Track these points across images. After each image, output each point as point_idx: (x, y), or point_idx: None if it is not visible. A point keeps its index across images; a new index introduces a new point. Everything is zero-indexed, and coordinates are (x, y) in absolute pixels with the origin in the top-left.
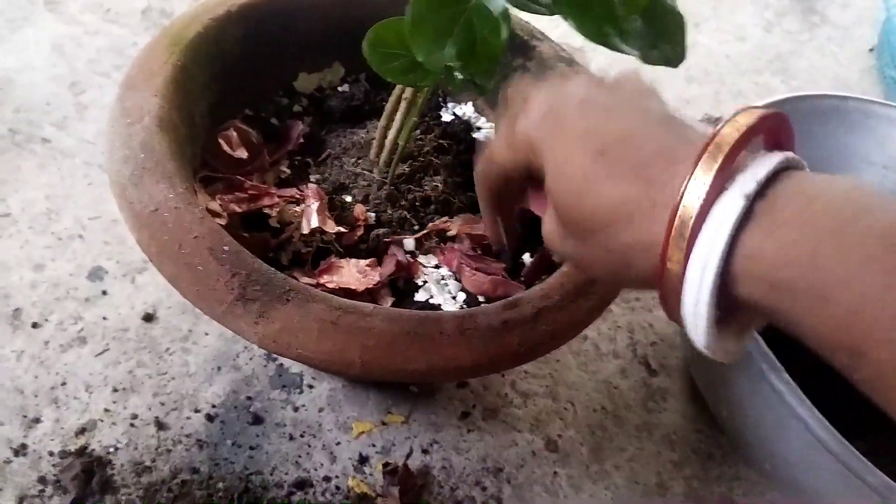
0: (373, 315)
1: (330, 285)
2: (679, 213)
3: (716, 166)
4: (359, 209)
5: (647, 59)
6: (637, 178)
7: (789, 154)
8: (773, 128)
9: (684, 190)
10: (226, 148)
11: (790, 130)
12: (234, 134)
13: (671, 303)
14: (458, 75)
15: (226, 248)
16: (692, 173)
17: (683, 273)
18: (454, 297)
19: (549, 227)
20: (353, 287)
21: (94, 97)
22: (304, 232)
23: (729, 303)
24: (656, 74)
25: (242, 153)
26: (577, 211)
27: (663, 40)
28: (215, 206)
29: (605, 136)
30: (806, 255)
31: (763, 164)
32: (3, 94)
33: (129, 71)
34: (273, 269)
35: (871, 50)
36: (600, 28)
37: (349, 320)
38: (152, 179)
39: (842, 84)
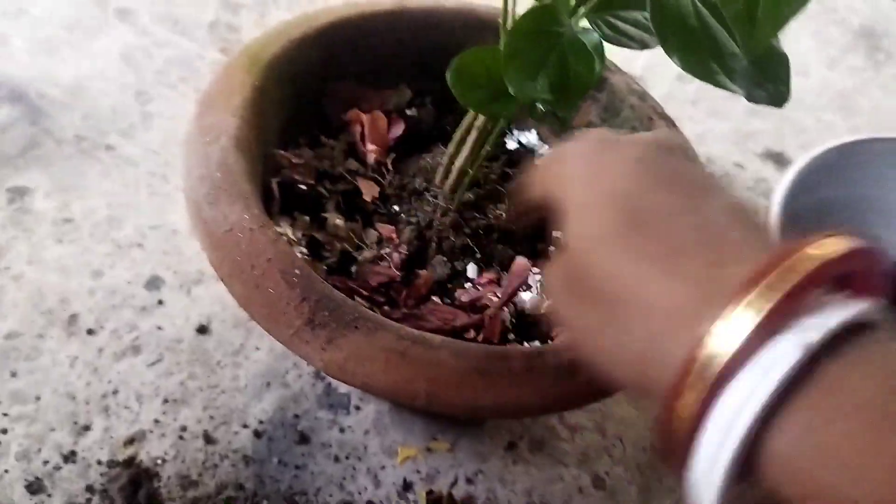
0: (441, 348)
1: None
2: (704, 348)
3: (771, 303)
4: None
5: (752, 98)
6: (672, 266)
7: (874, 305)
8: (862, 268)
9: (719, 321)
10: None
11: (883, 272)
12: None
13: (671, 447)
14: (541, 107)
15: (297, 271)
16: (739, 300)
17: (697, 424)
18: None
19: (555, 275)
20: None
21: (159, 107)
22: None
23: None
24: (716, 105)
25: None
26: (594, 270)
27: (768, 80)
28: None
29: (647, 203)
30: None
31: (837, 312)
32: (73, 99)
33: (208, 89)
34: (343, 295)
35: None
36: (706, 65)
37: (417, 352)
38: (228, 200)
39: None
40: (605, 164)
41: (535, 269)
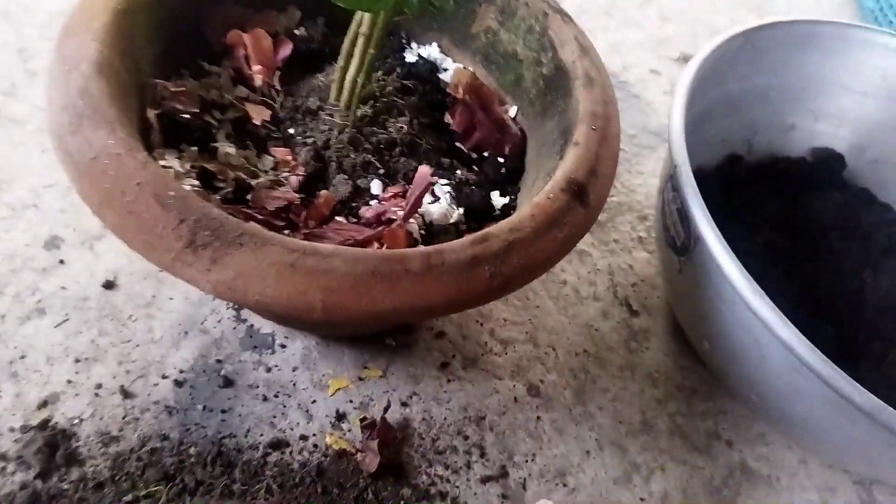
0: (333, 256)
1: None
2: None
3: None
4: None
5: None
6: None
7: None
8: None
9: None
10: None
11: None
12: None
13: None
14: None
15: (171, 192)
16: None
17: None
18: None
19: None
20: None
21: (44, 64)
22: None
23: None
24: (629, 15)
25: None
26: None
27: None
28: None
29: None
30: None
31: None
32: None
33: (69, 16)
34: (225, 213)
35: None
36: None
37: (308, 262)
38: (91, 126)
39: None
40: None
41: (442, 180)
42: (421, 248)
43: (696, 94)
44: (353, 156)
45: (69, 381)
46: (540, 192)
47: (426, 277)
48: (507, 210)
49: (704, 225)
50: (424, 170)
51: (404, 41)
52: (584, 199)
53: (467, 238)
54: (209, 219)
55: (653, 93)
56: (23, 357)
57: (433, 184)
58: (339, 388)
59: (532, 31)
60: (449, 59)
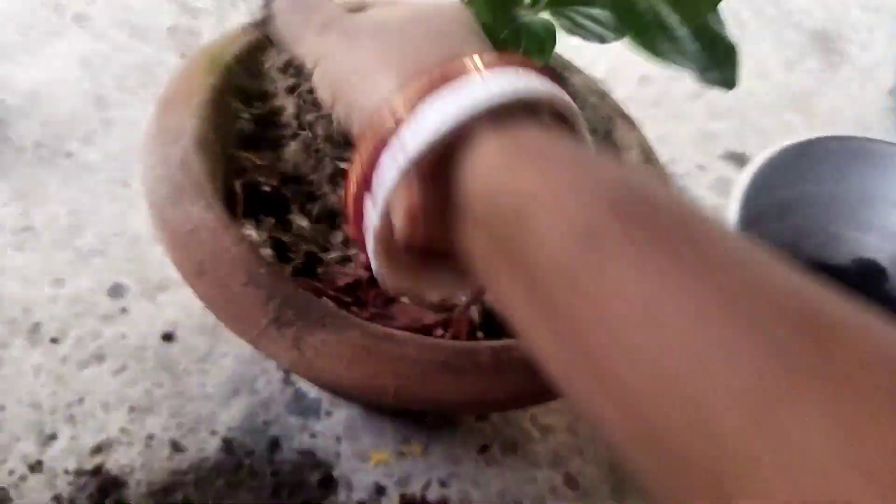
0: (407, 343)
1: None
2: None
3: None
4: None
5: (704, 78)
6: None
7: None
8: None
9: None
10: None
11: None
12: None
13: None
14: None
15: (262, 270)
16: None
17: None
18: None
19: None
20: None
21: (119, 113)
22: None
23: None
24: (678, 107)
25: None
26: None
27: (718, 66)
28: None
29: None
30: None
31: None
32: (30, 106)
33: (166, 90)
34: (309, 294)
35: (890, 91)
36: (658, 46)
37: (384, 348)
38: (190, 200)
39: (861, 123)
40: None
41: None
42: (490, 343)
43: (748, 198)
44: None
45: (123, 429)
46: None
47: (494, 373)
48: None
49: None
50: None
51: None
52: None
53: None
54: (295, 298)
55: (699, 187)
56: (81, 401)
57: None
58: (380, 461)
59: (596, 132)
60: None
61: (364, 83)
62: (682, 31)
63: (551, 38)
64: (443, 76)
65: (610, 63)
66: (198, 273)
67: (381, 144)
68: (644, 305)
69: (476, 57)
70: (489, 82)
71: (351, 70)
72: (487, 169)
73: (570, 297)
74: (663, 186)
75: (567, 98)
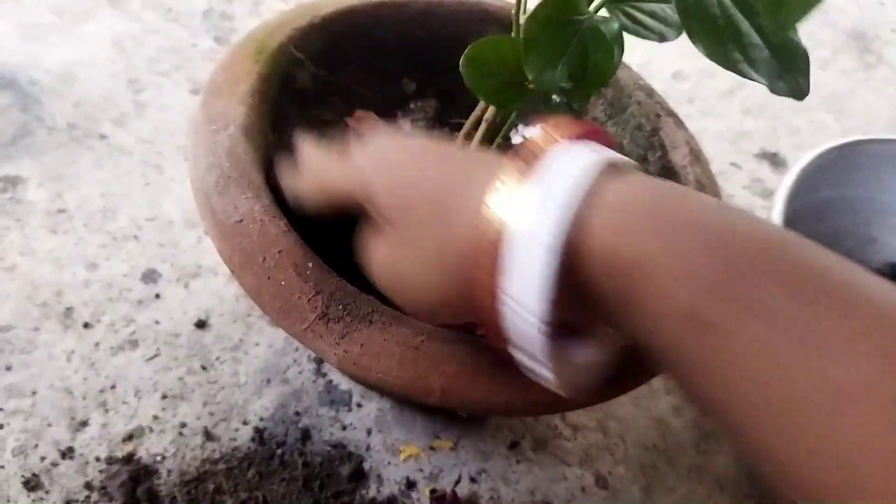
0: (456, 343)
1: None
2: (486, 209)
3: (527, 163)
4: None
5: (774, 89)
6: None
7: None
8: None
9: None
10: None
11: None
12: None
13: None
14: (556, 98)
15: (310, 264)
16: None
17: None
18: None
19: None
20: None
21: (152, 96)
22: None
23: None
24: (711, 105)
25: None
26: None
27: (788, 72)
28: None
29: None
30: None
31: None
32: (63, 86)
33: (213, 77)
34: (357, 289)
35: None
36: (730, 54)
37: (432, 347)
38: (238, 189)
39: None
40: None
41: None
42: None
43: (789, 200)
44: None
45: (155, 417)
46: None
47: None
48: None
49: None
50: None
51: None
52: None
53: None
54: (343, 293)
55: (732, 186)
56: (113, 387)
57: None
58: (410, 456)
59: (641, 128)
60: None
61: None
62: (755, 38)
63: (619, 45)
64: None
65: (642, 58)
66: (244, 265)
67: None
68: (819, 385)
69: (534, 143)
70: (577, 155)
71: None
72: (615, 236)
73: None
74: (786, 233)
75: (621, 157)
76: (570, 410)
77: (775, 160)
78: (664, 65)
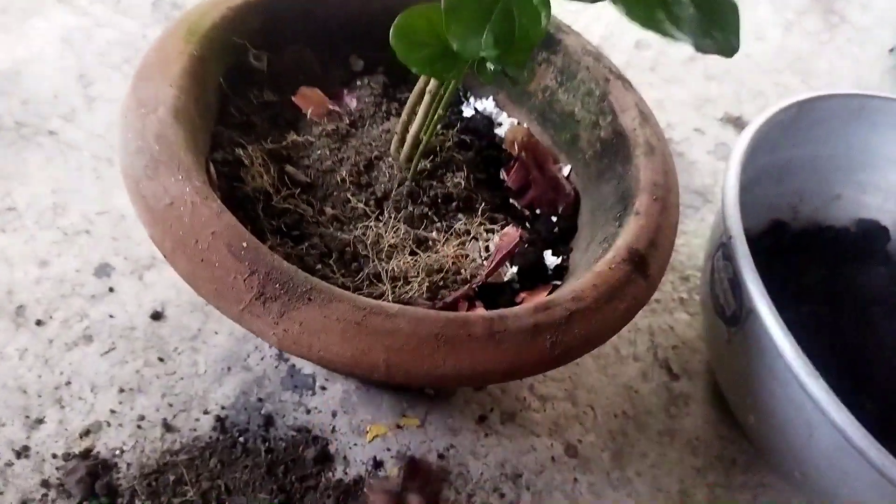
0: (398, 315)
1: None
2: None
3: None
4: None
5: (700, 48)
6: None
7: None
8: None
9: None
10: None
11: None
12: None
13: None
14: (491, 66)
15: (244, 244)
16: None
17: None
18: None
19: None
20: None
21: (102, 90)
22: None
23: None
24: (674, 72)
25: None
26: None
27: (716, 28)
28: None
29: None
30: None
31: None
32: (10, 85)
33: (145, 60)
34: (294, 267)
35: (891, 50)
36: (652, 14)
37: (374, 321)
38: (167, 172)
39: (862, 85)
40: None
41: (494, 237)
42: (483, 312)
43: (747, 161)
44: (411, 208)
45: (112, 411)
46: (599, 259)
47: (488, 344)
48: (560, 271)
49: (760, 301)
50: (513, 232)
51: (461, 94)
52: (644, 270)
53: (530, 305)
54: (279, 272)
55: (697, 152)
56: (68, 383)
57: (518, 246)
58: (377, 435)
59: (591, 94)
60: (504, 114)
61: None
62: None
63: (546, 7)
64: None
65: (606, 28)
66: (177, 249)
67: None
68: None
69: None
70: None
71: None
72: None
73: None
74: None
75: None
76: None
77: (739, 124)
78: (626, 37)
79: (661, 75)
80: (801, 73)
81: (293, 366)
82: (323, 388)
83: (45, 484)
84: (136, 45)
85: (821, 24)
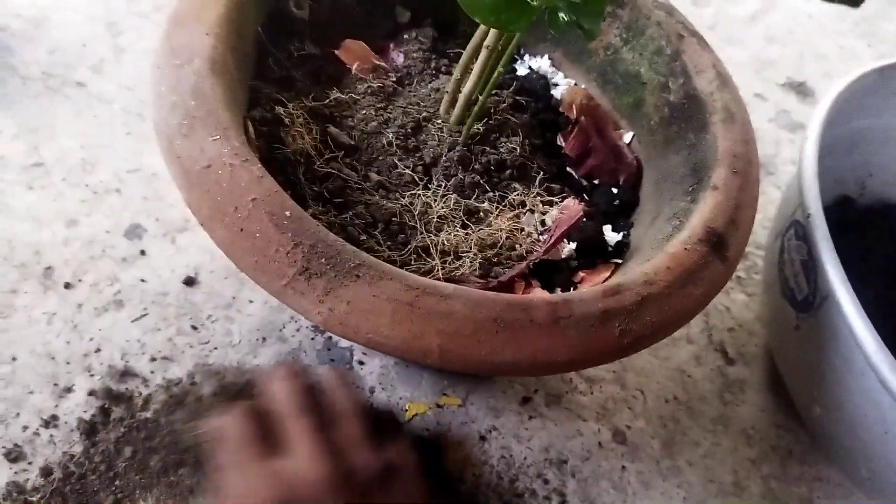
0: (453, 297)
1: None
2: None
3: None
4: None
5: None
6: None
7: None
8: None
9: None
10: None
11: None
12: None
13: None
14: (564, 16)
15: (287, 213)
16: None
17: None
18: None
19: None
20: None
21: (131, 40)
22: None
23: None
24: (734, 32)
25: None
26: None
27: None
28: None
29: None
30: None
31: None
32: (37, 33)
33: (179, 3)
34: (341, 239)
35: None
36: None
37: (427, 302)
38: (204, 131)
39: None
40: None
41: (553, 209)
42: (546, 295)
43: (822, 133)
44: (461, 175)
45: (144, 381)
46: (671, 238)
47: (552, 331)
48: (621, 248)
49: (840, 287)
50: (575, 205)
51: (515, 51)
52: (722, 252)
53: (598, 288)
54: (325, 245)
55: (757, 118)
56: (98, 351)
57: (580, 221)
58: (416, 414)
59: (661, 52)
60: (560, 74)
61: None
62: None
63: None
64: None
65: None
66: (214, 216)
67: None
68: None
69: None
70: None
71: None
72: None
73: None
74: None
75: None
76: (584, 369)
77: (802, 90)
78: None
79: (721, 35)
80: (867, 36)
81: (330, 338)
82: (361, 363)
83: (72, 456)
84: None
85: None
